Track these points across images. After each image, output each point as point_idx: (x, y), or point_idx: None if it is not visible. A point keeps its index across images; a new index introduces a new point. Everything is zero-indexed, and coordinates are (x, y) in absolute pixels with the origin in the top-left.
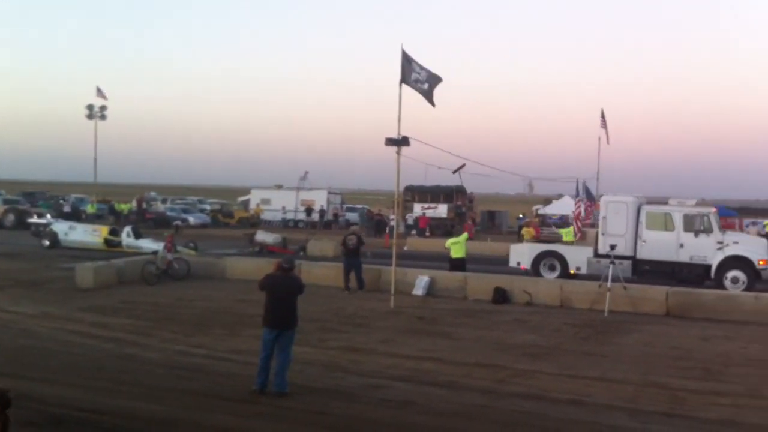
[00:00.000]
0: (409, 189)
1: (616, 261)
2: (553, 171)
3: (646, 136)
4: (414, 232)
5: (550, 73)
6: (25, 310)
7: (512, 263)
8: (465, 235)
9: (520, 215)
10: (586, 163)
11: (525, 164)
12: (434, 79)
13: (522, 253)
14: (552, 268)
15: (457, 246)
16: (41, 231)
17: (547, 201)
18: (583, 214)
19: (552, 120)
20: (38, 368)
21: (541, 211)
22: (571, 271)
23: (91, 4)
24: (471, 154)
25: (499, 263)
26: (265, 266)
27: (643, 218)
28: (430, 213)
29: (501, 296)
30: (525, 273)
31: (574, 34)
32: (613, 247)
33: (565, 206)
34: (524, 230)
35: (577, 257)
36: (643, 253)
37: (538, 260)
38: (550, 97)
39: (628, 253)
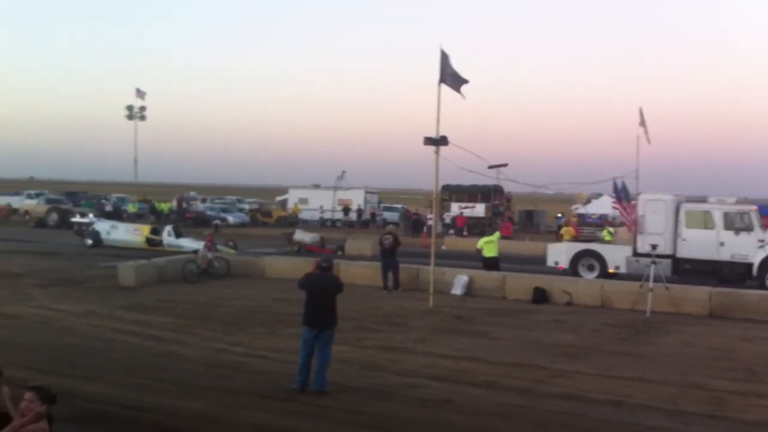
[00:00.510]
0: (447, 188)
1: (657, 260)
2: (591, 170)
3: (684, 133)
4: (452, 231)
5: (589, 72)
6: (68, 308)
7: (550, 263)
8: (497, 234)
9: (559, 214)
10: (624, 162)
11: (563, 163)
12: (460, 80)
13: (560, 253)
14: (590, 268)
15: (490, 245)
16: (84, 230)
17: (586, 200)
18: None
19: (590, 118)
20: (81, 366)
21: (579, 211)
22: (610, 271)
23: (133, 6)
24: (508, 153)
25: (538, 263)
26: (303, 265)
27: (682, 216)
28: (467, 212)
29: (540, 296)
30: (563, 273)
31: (612, 32)
32: (654, 246)
33: (604, 205)
34: (563, 230)
35: (616, 256)
36: (683, 252)
37: (576, 260)
38: (588, 96)
39: (668, 251)
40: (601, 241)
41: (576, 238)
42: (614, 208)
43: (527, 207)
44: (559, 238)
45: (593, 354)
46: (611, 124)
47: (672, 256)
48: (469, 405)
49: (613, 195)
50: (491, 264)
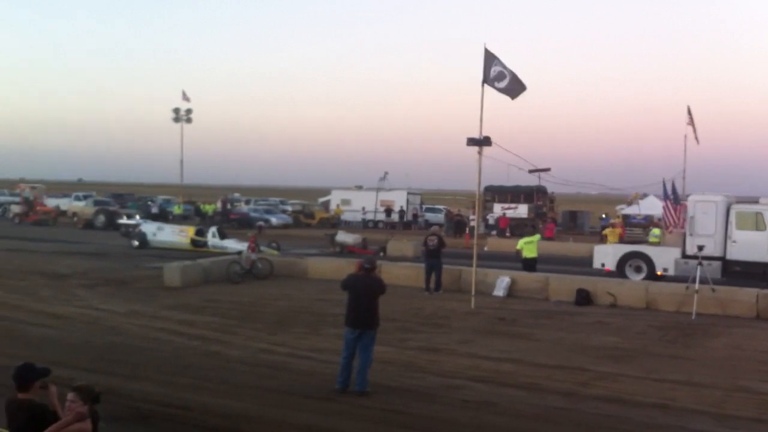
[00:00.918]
0: (489, 189)
1: (705, 262)
2: (636, 171)
3: (733, 133)
4: (494, 232)
5: (637, 72)
6: (114, 308)
7: (596, 264)
8: (538, 235)
9: (603, 215)
10: (672, 161)
11: (609, 164)
12: (518, 84)
13: (606, 254)
14: (638, 270)
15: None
16: (130, 231)
17: (631, 201)
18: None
19: (637, 119)
20: (126, 365)
21: (624, 212)
22: (658, 273)
23: (177, 9)
24: (553, 154)
25: (581, 264)
26: (345, 266)
27: (732, 218)
28: (510, 213)
29: (584, 298)
30: (609, 274)
31: (662, 31)
32: (701, 248)
33: (649, 206)
34: (607, 231)
35: (665, 258)
36: (733, 254)
37: (623, 261)
38: (636, 96)
39: (718, 253)
40: (648, 242)
41: (622, 240)
42: (664, 208)
43: (571, 208)
44: (603, 239)
45: (638, 356)
46: (659, 124)
47: (722, 258)
48: (511, 407)
49: (663, 196)
50: (530, 265)
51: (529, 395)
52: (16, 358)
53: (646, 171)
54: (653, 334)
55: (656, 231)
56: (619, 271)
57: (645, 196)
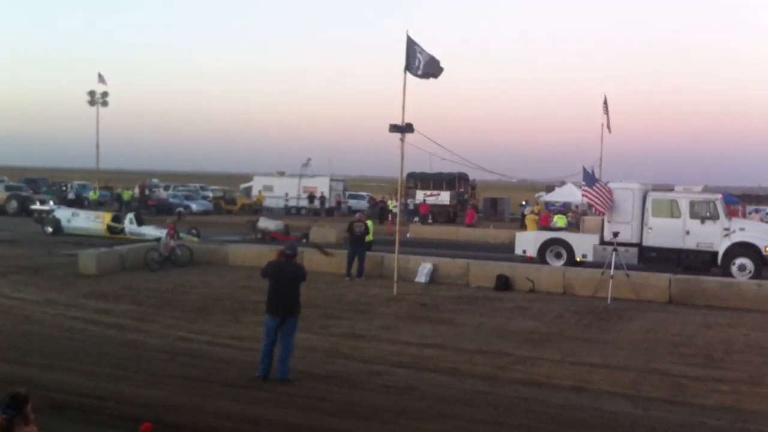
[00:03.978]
0: (412, 176)
1: (623, 248)
2: (554, 159)
3: (648, 123)
4: (416, 219)
5: (554, 61)
6: (28, 296)
7: (518, 251)
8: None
9: (523, 202)
10: (587, 151)
11: (526, 152)
12: (434, 65)
13: (528, 241)
14: (558, 256)
15: (562, 220)
16: (44, 218)
17: (549, 188)
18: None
19: (554, 108)
20: (40, 355)
21: (543, 199)
22: (578, 259)
23: None
24: (473, 142)
25: (502, 250)
26: (267, 253)
27: (649, 205)
28: (431, 200)
29: (503, 283)
30: (531, 261)
31: (578, 22)
32: (615, 234)
33: (567, 194)
34: (527, 219)
35: (584, 245)
36: (650, 240)
37: (544, 248)
38: (553, 86)
39: (635, 240)
40: (561, 228)
41: (544, 228)
42: (584, 195)
43: (492, 195)
44: (523, 226)
45: (555, 340)
46: (578, 114)
47: (639, 245)
48: (432, 392)
49: (584, 182)
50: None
51: (450, 380)
52: None
53: (566, 159)
54: (570, 318)
55: (559, 219)
56: (540, 258)
57: (563, 183)
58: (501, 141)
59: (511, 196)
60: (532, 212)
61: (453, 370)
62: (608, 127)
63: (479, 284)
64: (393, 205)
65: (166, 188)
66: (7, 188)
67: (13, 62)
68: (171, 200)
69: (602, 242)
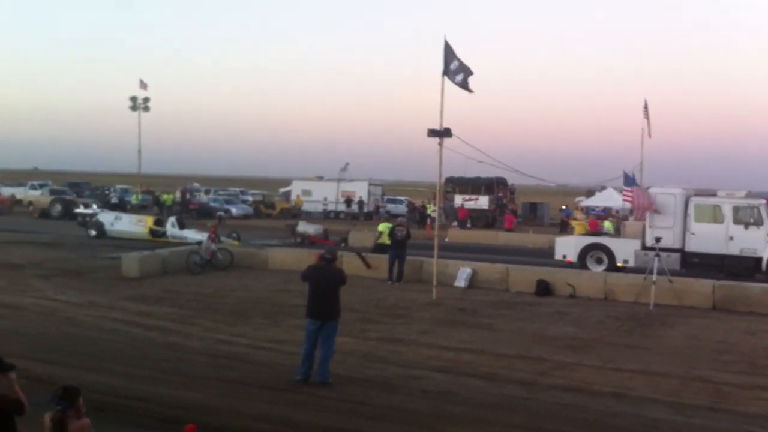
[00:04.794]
0: (450, 180)
1: (664, 254)
2: (594, 163)
3: (690, 127)
4: (455, 223)
5: (595, 65)
6: (71, 299)
7: (558, 256)
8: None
9: (563, 207)
10: (629, 155)
11: (565, 156)
12: (467, 71)
13: (568, 246)
14: (599, 261)
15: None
16: (87, 221)
17: (589, 193)
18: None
19: (594, 112)
20: (83, 356)
21: (584, 203)
22: (619, 264)
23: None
24: (512, 146)
25: (541, 255)
26: (306, 257)
27: (691, 210)
28: (470, 204)
29: (543, 288)
30: (571, 266)
31: (620, 22)
32: (658, 239)
33: (608, 198)
34: (574, 223)
35: (625, 250)
36: (692, 246)
37: (584, 253)
38: (593, 89)
39: (677, 245)
40: (609, 234)
41: (591, 233)
42: (625, 199)
43: (531, 199)
44: (565, 230)
45: (596, 346)
46: (618, 119)
47: (681, 250)
48: (471, 397)
49: (628, 185)
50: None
51: (488, 385)
52: None
53: (607, 164)
54: (611, 324)
55: (607, 224)
56: (581, 263)
57: (603, 188)
58: (540, 145)
59: (550, 201)
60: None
61: (491, 375)
62: (649, 131)
63: (519, 289)
64: (432, 209)
65: (207, 192)
66: (52, 192)
67: (57, 69)
68: (211, 204)
69: (644, 247)
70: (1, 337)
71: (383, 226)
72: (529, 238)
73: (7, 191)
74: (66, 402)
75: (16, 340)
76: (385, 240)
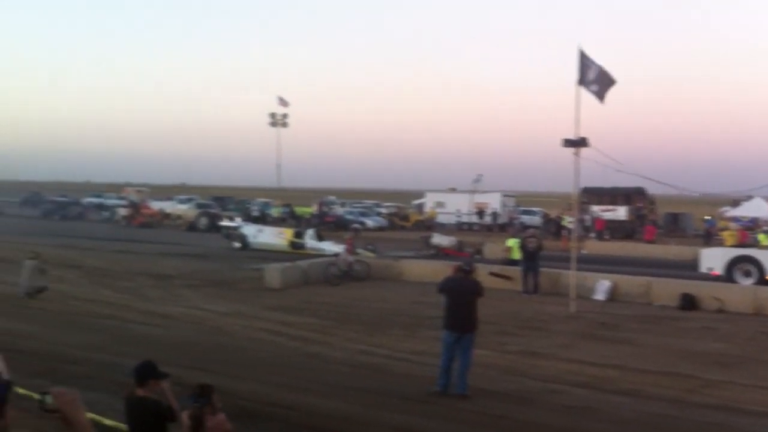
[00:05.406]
0: (587, 191)
1: None
2: (740, 171)
3: None
4: (593, 235)
5: (735, 68)
6: (218, 308)
7: (703, 268)
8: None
9: (707, 217)
10: None
11: (708, 164)
12: (606, 79)
13: (715, 258)
14: (747, 274)
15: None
16: (232, 233)
17: (735, 202)
18: None
19: (738, 117)
20: (230, 364)
21: (729, 214)
22: None
23: (272, 14)
24: (651, 154)
25: (684, 268)
26: (441, 269)
27: None
28: (608, 215)
29: (688, 302)
30: (717, 279)
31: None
32: None
33: (757, 208)
34: (725, 233)
35: None
36: None
37: (732, 265)
38: (733, 94)
39: None
40: (759, 245)
41: (741, 244)
42: None
43: (672, 209)
44: (711, 242)
45: (748, 363)
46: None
47: None
48: (614, 413)
49: None
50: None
51: (633, 402)
52: (126, 357)
53: (750, 173)
54: (763, 340)
55: (762, 237)
56: (728, 276)
57: (750, 198)
58: (681, 153)
59: (693, 211)
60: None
61: (636, 391)
62: None
63: (661, 303)
64: (568, 220)
65: (342, 205)
66: (198, 206)
67: (200, 88)
68: (347, 217)
69: None
70: (154, 345)
71: (512, 242)
72: (672, 250)
73: (157, 205)
74: (203, 399)
75: (168, 348)
76: (515, 255)
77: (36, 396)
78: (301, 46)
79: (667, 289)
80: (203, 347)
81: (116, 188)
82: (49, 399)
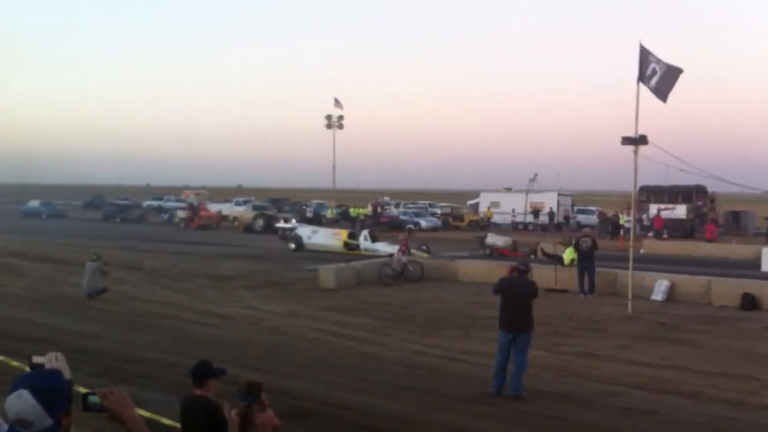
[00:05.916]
0: (645, 189)
1: None
2: None
3: None
4: (651, 234)
5: None
6: (275, 308)
7: (765, 268)
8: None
9: None
10: None
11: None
12: (672, 72)
13: None
14: None
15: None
16: (287, 235)
17: None
18: None
19: None
20: (286, 364)
21: None
22: None
23: (331, 16)
24: (712, 151)
25: (746, 267)
26: (496, 269)
27: None
28: (666, 214)
29: (749, 302)
30: None
31: None
32: None
33: None
34: None
35: None
36: None
37: None
38: None
39: None
40: None
41: None
42: None
43: (733, 207)
44: None
45: None
46: None
47: None
48: (675, 416)
49: None
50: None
51: (693, 404)
52: (185, 357)
53: None
54: None
55: None
56: None
57: None
58: (743, 150)
59: (755, 209)
60: None
61: (696, 393)
62: None
63: (722, 303)
64: (625, 219)
65: (397, 206)
66: (254, 208)
67: (258, 91)
68: (401, 217)
69: None
70: (212, 344)
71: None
72: (733, 249)
73: (215, 208)
74: (251, 397)
75: (227, 348)
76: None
77: (84, 391)
78: (356, 47)
79: (728, 289)
80: (260, 347)
81: (175, 191)
82: (94, 399)
